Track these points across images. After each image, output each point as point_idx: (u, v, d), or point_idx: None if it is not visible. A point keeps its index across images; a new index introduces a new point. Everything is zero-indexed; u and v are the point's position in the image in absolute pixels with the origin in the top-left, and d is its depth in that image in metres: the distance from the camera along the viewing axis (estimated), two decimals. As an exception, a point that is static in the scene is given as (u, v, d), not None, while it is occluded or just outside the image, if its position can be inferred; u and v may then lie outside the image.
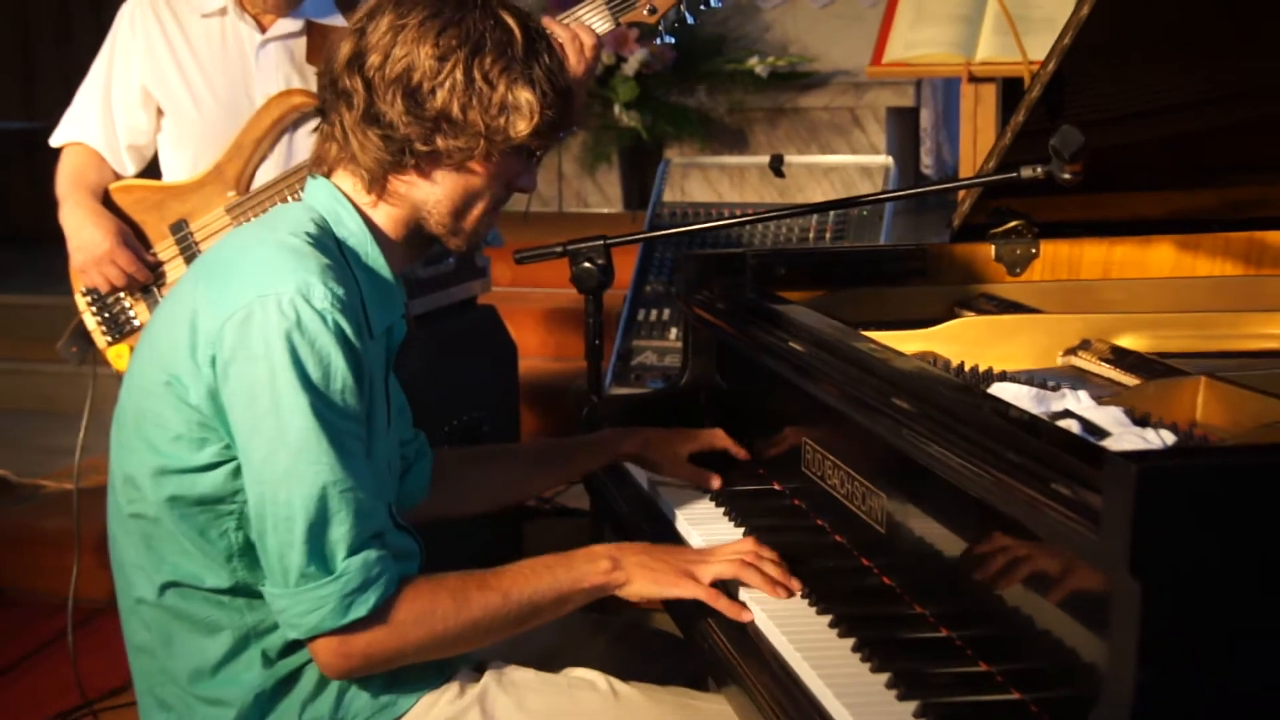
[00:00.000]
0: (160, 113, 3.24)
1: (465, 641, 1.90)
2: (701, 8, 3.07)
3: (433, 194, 1.96)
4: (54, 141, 3.29)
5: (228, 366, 1.81)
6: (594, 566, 1.94)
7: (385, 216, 1.99)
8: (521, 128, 1.90)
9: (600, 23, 2.95)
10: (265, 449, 1.79)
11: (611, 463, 2.48)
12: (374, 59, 1.88)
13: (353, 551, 1.79)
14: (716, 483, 2.35)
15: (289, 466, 1.78)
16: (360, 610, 1.79)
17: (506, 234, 3.40)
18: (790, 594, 1.89)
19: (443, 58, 1.87)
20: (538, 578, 1.92)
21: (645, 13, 2.97)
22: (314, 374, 1.79)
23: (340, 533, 1.78)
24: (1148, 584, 1.29)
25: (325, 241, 1.92)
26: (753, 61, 6.51)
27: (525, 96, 1.89)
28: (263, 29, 3.18)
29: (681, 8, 3.02)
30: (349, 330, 1.82)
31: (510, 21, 1.92)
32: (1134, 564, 1.29)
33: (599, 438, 2.51)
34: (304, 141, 3.11)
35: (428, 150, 1.91)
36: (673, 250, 4.25)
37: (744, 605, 1.89)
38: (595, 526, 2.82)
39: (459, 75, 1.87)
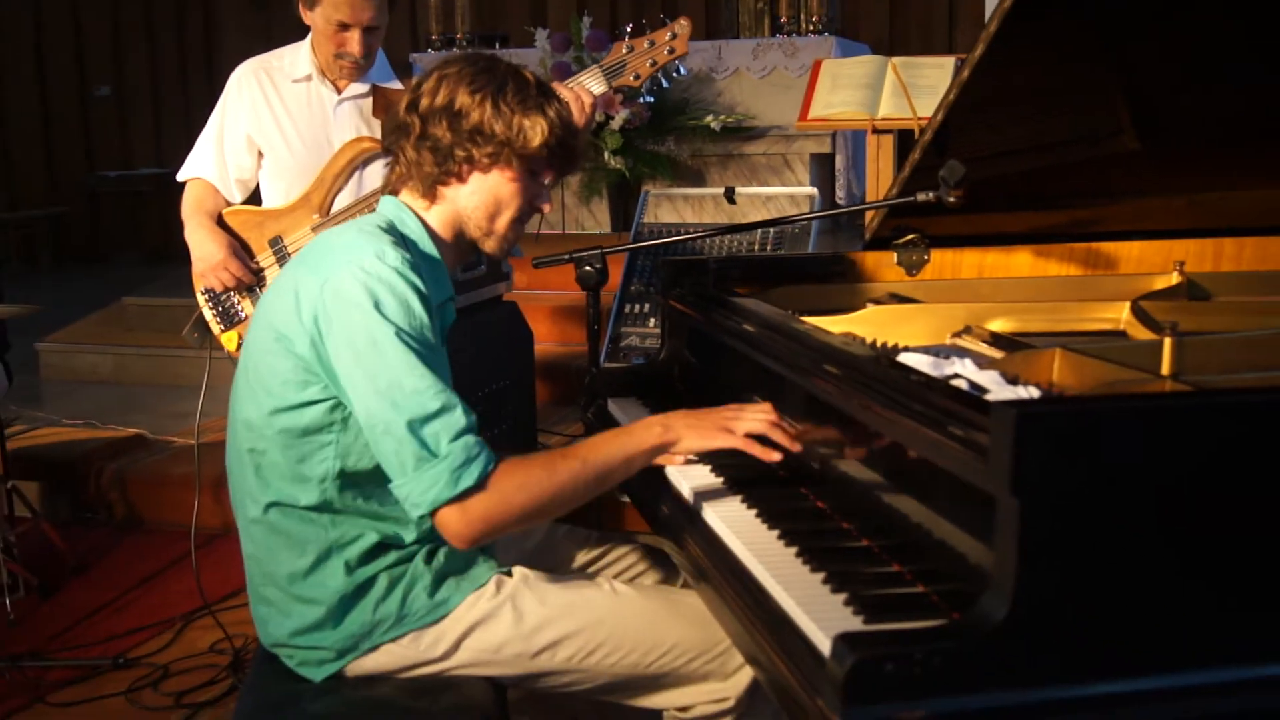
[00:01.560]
0: (260, 154, 3.21)
1: (558, 503, 1.82)
2: (674, 75, 3.08)
3: (471, 200, 1.97)
4: (180, 177, 3.27)
5: (330, 319, 1.80)
6: (650, 432, 1.89)
7: (437, 218, 1.99)
8: (536, 140, 1.92)
9: (596, 86, 2.94)
10: (369, 374, 1.76)
11: None
12: (425, 101, 1.93)
13: (454, 438, 1.75)
14: None
15: (391, 380, 1.75)
16: (468, 480, 1.73)
17: (522, 249, 3.37)
18: (799, 448, 1.85)
19: (475, 92, 1.91)
20: (607, 445, 1.87)
21: (631, 78, 2.97)
22: (396, 312, 1.78)
23: (440, 424, 1.75)
24: (1024, 502, 1.28)
25: (393, 232, 1.93)
26: (709, 119, 6.50)
27: (538, 119, 1.92)
28: (339, 91, 3.16)
29: (659, 75, 3.01)
30: (419, 282, 1.82)
31: (527, 75, 1.96)
32: (1014, 486, 1.28)
33: None
34: (371, 176, 3.09)
35: (464, 155, 1.92)
36: (650, 259, 4.24)
37: (775, 449, 1.85)
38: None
39: (488, 103, 1.90)
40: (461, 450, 1.75)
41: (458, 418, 1.76)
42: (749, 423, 1.89)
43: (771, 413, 1.90)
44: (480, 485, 1.75)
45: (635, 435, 1.89)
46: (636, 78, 2.96)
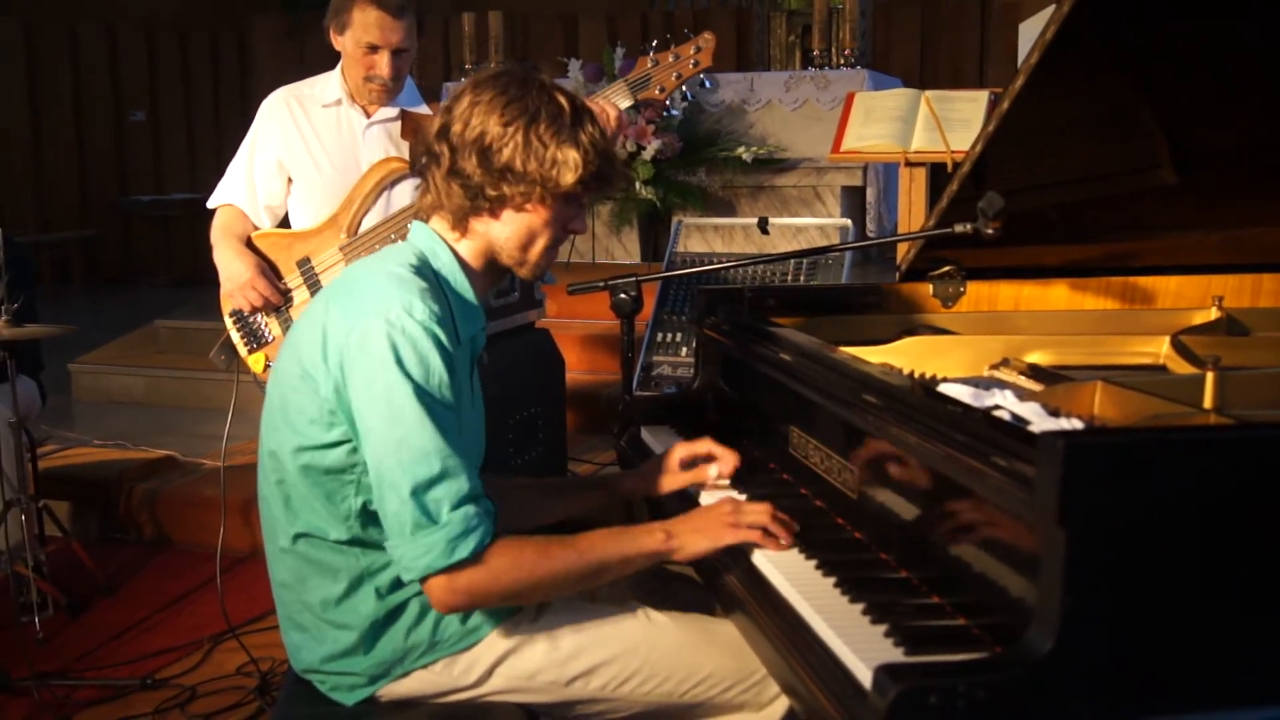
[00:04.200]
0: (290, 180, 3.23)
1: (546, 588, 1.83)
2: (699, 88, 3.09)
3: (503, 232, 1.94)
4: (210, 203, 3.29)
5: (352, 367, 1.79)
6: (652, 537, 1.86)
7: (469, 250, 1.97)
8: (569, 178, 1.88)
9: (622, 100, 2.95)
10: (381, 428, 1.76)
11: (617, 499, 2.30)
12: (456, 128, 1.89)
13: (455, 507, 1.74)
14: (713, 472, 2.18)
15: (400, 439, 1.74)
16: (463, 552, 1.73)
17: (554, 275, 3.38)
18: (792, 537, 1.84)
19: (507, 124, 1.86)
20: (606, 543, 1.84)
21: (657, 91, 2.99)
22: (416, 370, 1.76)
23: (443, 491, 1.74)
24: (1071, 533, 1.27)
25: (424, 271, 1.91)
26: (740, 150, 6.51)
27: (572, 155, 1.87)
28: (368, 115, 3.19)
29: (683, 88, 3.02)
30: (443, 337, 1.80)
31: (561, 99, 1.90)
32: (1060, 517, 1.27)
33: (609, 477, 2.36)
34: (399, 195, 3.11)
35: (496, 195, 1.89)
36: (683, 288, 4.24)
37: (781, 537, 1.83)
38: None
39: (519, 138, 1.86)
40: (461, 521, 1.74)
41: (461, 484, 1.76)
42: (752, 516, 1.86)
43: (769, 508, 1.88)
44: (474, 559, 1.75)
45: (637, 538, 1.87)
46: (661, 90, 2.97)
